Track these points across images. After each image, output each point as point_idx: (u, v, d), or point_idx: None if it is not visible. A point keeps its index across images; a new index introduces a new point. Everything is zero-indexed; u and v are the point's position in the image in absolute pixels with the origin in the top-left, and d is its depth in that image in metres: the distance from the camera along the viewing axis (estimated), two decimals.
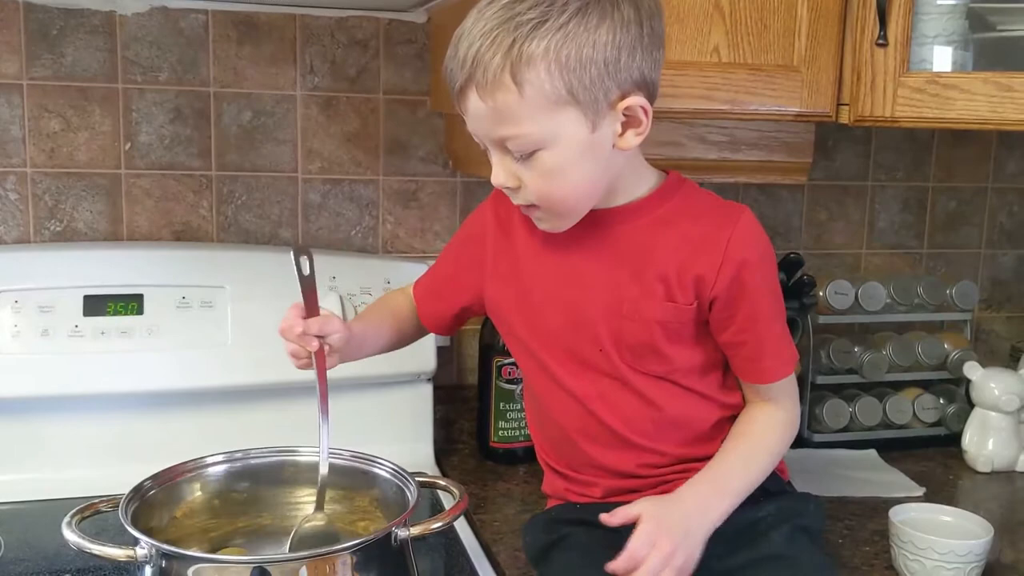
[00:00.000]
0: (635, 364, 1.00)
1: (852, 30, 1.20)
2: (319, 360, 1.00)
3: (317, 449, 1.03)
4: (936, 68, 1.20)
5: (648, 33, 0.91)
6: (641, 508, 0.92)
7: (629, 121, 0.92)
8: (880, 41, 1.17)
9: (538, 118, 0.89)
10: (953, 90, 1.14)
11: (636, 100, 0.91)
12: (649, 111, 0.93)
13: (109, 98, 1.40)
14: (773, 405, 1.03)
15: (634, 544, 0.89)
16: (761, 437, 1.02)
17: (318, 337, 0.99)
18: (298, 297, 0.99)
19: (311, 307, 0.99)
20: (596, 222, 0.99)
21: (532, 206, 0.96)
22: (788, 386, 1.04)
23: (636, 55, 0.90)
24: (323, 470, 0.99)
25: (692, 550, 0.92)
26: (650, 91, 0.94)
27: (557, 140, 0.90)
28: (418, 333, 1.18)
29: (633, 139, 0.93)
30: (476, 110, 0.91)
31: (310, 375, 1.02)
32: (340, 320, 1.02)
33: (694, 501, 0.95)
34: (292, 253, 0.97)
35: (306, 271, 0.99)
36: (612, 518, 0.92)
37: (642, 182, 1.01)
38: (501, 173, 0.95)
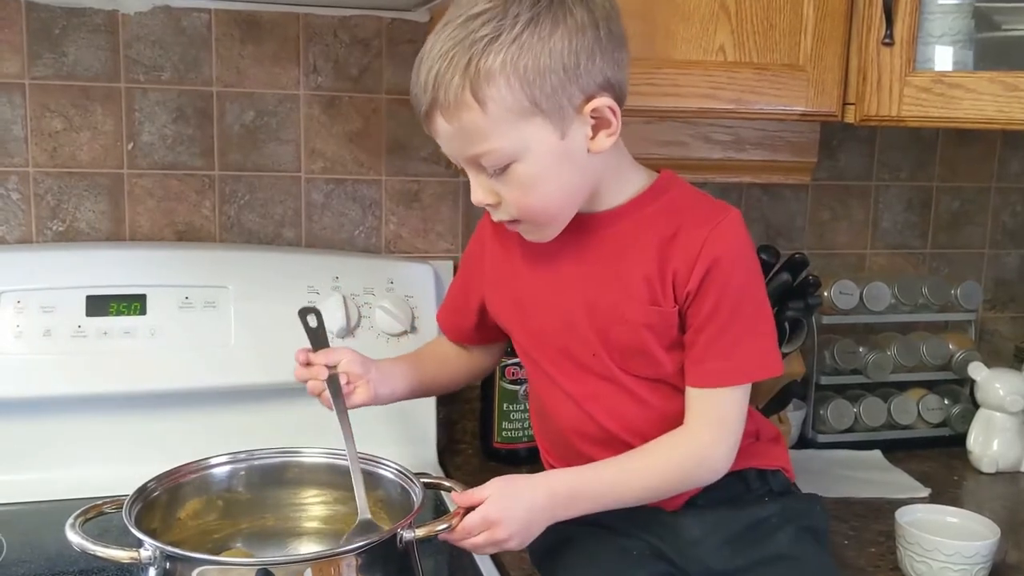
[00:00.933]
0: (627, 367, 0.99)
1: (858, 29, 1.20)
2: (333, 389, 1.00)
3: (322, 450, 1.04)
4: (942, 68, 1.19)
5: (606, 35, 0.90)
6: (491, 491, 0.93)
7: (599, 123, 0.92)
8: (886, 40, 1.17)
9: (505, 132, 0.89)
10: (959, 89, 1.14)
11: (603, 101, 0.91)
12: (617, 111, 0.92)
13: (111, 97, 1.40)
14: (688, 430, 0.97)
15: (470, 521, 0.91)
16: (655, 459, 0.97)
17: (329, 368, 1.01)
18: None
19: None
20: (583, 227, 0.99)
21: (515, 221, 0.96)
22: (718, 411, 0.97)
23: (596, 58, 0.90)
24: (361, 501, 0.96)
25: (527, 538, 0.94)
26: (616, 92, 0.93)
27: (528, 151, 0.90)
28: (466, 370, 1.18)
29: (605, 141, 0.93)
30: (444, 132, 0.91)
31: None
32: (352, 351, 1.04)
33: (546, 498, 0.94)
34: (298, 313, 1.01)
35: (313, 324, 1.02)
36: (461, 498, 0.94)
37: (628, 184, 1.00)
38: (479, 191, 0.95)
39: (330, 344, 1.04)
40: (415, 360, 1.15)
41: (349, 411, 1.01)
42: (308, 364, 1.02)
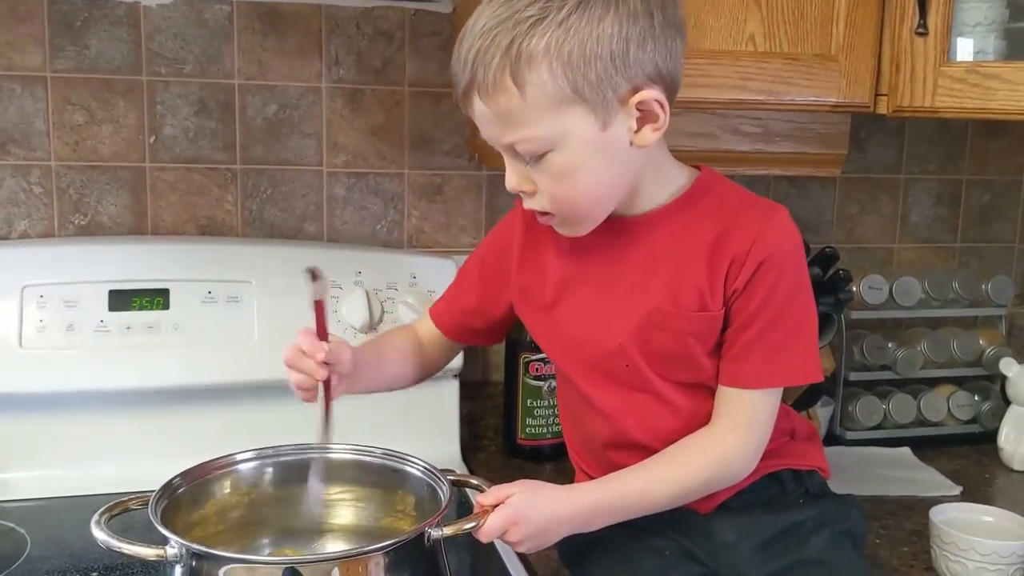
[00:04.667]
0: (665, 373, 0.96)
1: (891, 18, 1.18)
2: (327, 391, 0.95)
3: (348, 446, 1.02)
4: (976, 57, 1.17)
5: (660, 23, 0.86)
6: (516, 490, 0.90)
7: (645, 116, 0.88)
8: (920, 30, 1.15)
9: (544, 119, 0.85)
10: (995, 80, 1.12)
11: (650, 94, 0.86)
12: (666, 105, 0.88)
13: (133, 90, 1.39)
14: (714, 433, 0.94)
15: (492, 524, 0.89)
16: (681, 466, 0.94)
17: (327, 364, 0.93)
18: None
19: (322, 331, 0.94)
20: (622, 230, 0.95)
21: (546, 213, 0.92)
22: (749, 413, 0.94)
23: (647, 46, 0.85)
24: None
25: (540, 544, 0.92)
26: (668, 83, 0.89)
27: (566, 141, 0.86)
28: (413, 375, 1.12)
29: (651, 135, 0.88)
30: (481, 113, 0.88)
31: None
32: (349, 346, 0.97)
33: (570, 510, 0.91)
34: (306, 273, 0.92)
35: (318, 294, 0.94)
36: (486, 497, 0.91)
37: (669, 183, 0.96)
38: (514, 178, 0.91)
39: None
40: (382, 353, 1.08)
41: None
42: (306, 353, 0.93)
